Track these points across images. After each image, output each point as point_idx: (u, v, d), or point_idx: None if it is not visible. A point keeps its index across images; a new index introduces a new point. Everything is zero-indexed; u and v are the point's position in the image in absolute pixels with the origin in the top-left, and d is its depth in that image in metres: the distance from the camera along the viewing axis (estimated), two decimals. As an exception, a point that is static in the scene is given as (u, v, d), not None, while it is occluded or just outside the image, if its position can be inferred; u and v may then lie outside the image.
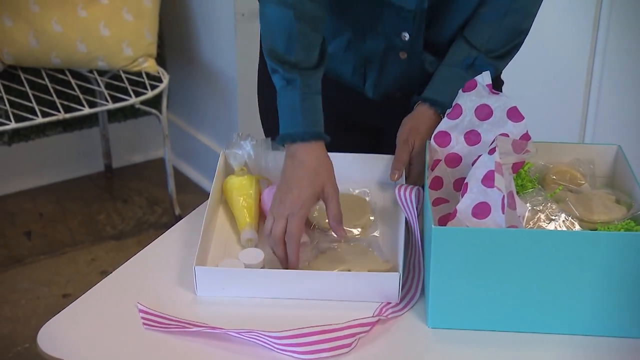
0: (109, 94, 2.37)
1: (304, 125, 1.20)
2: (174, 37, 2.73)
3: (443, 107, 1.30)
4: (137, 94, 2.37)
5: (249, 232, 1.17)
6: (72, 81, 2.41)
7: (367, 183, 1.34)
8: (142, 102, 2.38)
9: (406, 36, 1.34)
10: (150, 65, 2.45)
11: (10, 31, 2.34)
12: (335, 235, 1.20)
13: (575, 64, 2.36)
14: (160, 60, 2.63)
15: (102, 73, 2.45)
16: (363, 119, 1.50)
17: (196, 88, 2.72)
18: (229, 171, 1.29)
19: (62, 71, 2.44)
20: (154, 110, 2.43)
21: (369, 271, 1.14)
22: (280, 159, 1.21)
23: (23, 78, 2.39)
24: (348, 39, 1.38)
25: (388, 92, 1.43)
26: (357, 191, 1.31)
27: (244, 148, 1.27)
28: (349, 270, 1.15)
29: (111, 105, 2.35)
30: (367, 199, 1.30)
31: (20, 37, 2.35)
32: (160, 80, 2.43)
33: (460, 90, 1.25)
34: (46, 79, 2.40)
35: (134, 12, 2.42)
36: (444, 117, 1.28)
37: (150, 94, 2.38)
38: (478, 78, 1.24)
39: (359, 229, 1.24)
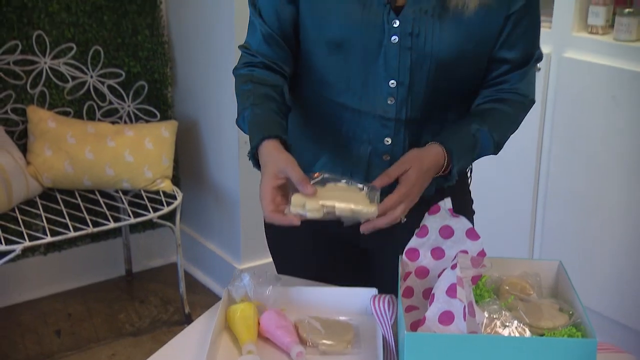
0: (131, 210, 2.37)
1: (265, 130, 1.19)
2: (187, 160, 2.75)
3: (450, 151, 1.23)
4: (155, 210, 2.37)
5: (249, 345, 1.14)
6: (100, 200, 2.40)
7: (351, 313, 1.26)
8: (159, 217, 2.37)
9: (388, 141, 1.29)
10: (166, 185, 2.46)
11: (50, 160, 2.37)
12: None
13: (523, 188, 2.36)
14: (175, 180, 2.65)
15: (125, 192, 2.46)
16: (348, 239, 1.39)
17: (205, 203, 2.72)
18: (231, 302, 1.26)
19: (92, 191, 2.44)
20: (168, 223, 2.43)
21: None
22: (276, 290, 1.21)
23: (59, 198, 2.39)
24: (332, 155, 1.33)
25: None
26: (341, 318, 1.25)
27: (244, 282, 1.25)
28: None
29: (133, 220, 2.35)
30: (350, 324, 1.24)
31: (58, 164, 2.37)
32: (175, 198, 2.43)
33: (426, 213, 1.23)
34: (78, 199, 2.40)
35: (154, 141, 2.46)
36: (448, 158, 1.22)
37: (166, 209, 2.38)
38: (441, 203, 1.22)
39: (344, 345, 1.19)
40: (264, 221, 1.50)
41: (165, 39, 2.63)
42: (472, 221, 1.42)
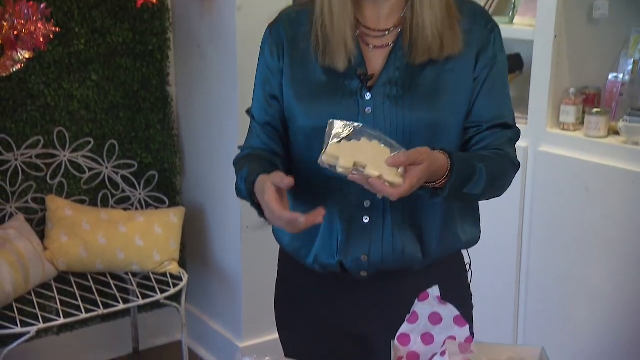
0: (140, 292, 2.35)
1: (250, 178, 1.24)
2: (193, 243, 2.75)
3: (452, 168, 1.18)
4: (162, 291, 2.35)
5: None
6: (111, 282, 2.39)
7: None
8: (165, 298, 2.36)
9: (368, 203, 1.28)
10: (173, 267, 2.45)
11: (65, 245, 2.37)
12: None
13: (505, 274, 2.34)
14: (181, 262, 2.63)
15: (135, 274, 2.44)
16: (347, 324, 1.38)
17: (209, 283, 2.70)
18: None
19: (103, 274, 2.43)
20: (174, 304, 2.41)
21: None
22: None
23: (73, 281, 2.38)
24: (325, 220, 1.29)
25: (359, 264, 1.30)
26: None
27: None
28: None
29: (141, 302, 2.33)
30: None
31: (73, 249, 2.37)
32: (181, 279, 2.42)
33: (416, 300, 1.21)
34: (91, 281, 2.39)
35: (163, 226, 2.46)
36: (448, 174, 1.18)
37: (172, 291, 2.36)
38: (429, 291, 1.20)
39: None
40: (275, 296, 1.49)
41: (175, 132, 2.68)
42: (471, 316, 1.41)
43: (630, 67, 2.24)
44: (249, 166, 1.28)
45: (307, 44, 1.27)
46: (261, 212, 1.23)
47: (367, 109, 1.24)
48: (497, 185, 1.29)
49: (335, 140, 1.12)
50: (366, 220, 1.28)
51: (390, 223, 1.28)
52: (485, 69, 1.27)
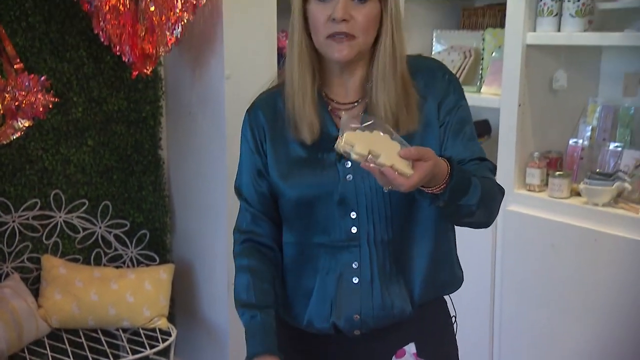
0: (130, 348, 2.31)
1: (262, 346, 1.24)
2: (182, 299, 2.71)
3: (452, 176, 1.15)
4: (151, 347, 2.31)
5: None
6: (102, 338, 2.35)
7: None
8: (155, 353, 2.31)
9: (356, 264, 1.28)
10: (162, 323, 2.42)
11: (59, 302, 2.34)
12: None
13: (479, 328, 2.34)
14: (171, 317, 2.58)
15: (125, 330, 2.41)
16: None
17: (197, 337, 2.67)
18: None
19: (95, 330, 2.39)
20: (163, 359, 2.37)
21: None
22: None
23: (65, 338, 2.34)
24: (319, 284, 1.31)
25: (352, 323, 1.29)
26: None
27: None
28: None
29: (131, 357, 2.28)
30: None
31: (66, 306, 2.34)
32: (170, 334, 2.38)
33: (394, 357, 1.25)
34: (82, 337, 2.34)
35: (153, 283, 2.44)
36: (447, 181, 1.14)
37: (161, 346, 2.32)
38: (406, 347, 1.24)
39: None
40: None
41: (166, 193, 2.67)
42: (455, 353, 1.41)
43: (588, 133, 2.30)
44: (251, 316, 1.28)
45: (282, 123, 1.30)
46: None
47: (347, 177, 1.26)
48: (489, 204, 1.25)
49: (351, 129, 1.11)
50: (356, 280, 1.28)
51: (379, 280, 1.28)
52: (449, 115, 1.29)
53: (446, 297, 1.40)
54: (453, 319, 1.43)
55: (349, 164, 1.26)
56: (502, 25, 2.38)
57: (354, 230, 1.27)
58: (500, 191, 1.30)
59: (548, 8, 2.16)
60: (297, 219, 1.31)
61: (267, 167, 1.32)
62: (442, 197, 1.15)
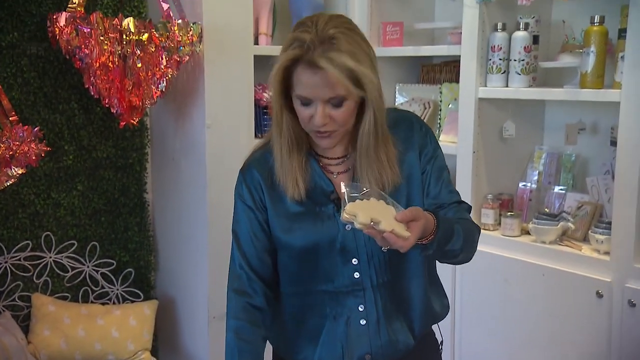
0: None
1: None
2: (165, 333, 2.68)
3: (437, 229, 1.17)
4: None
5: None
6: None
7: None
8: None
9: (362, 307, 1.28)
10: (146, 357, 2.39)
11: (47, 338, 2.30)
12: None
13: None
14: (154, 351, 2.55)
15: None
16: None
17: None
18: None
19: None
20: None
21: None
22: None
23: None
24: (328, 329, 1.30)
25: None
26: None
27: None
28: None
29: None
30: None
31: (54, 342, 2.30)
32: None
33: None
34: None
35: (137, 319, 2.41)
36: (433, 233, 1.16)
37: None
38: None
39: None
40: None
41: (150, 233, 2.65)
42: None
43: (536, 177, 2.36)
44: None
45: (276, 180, 1.28)
46: None
47: (347, 227, 1.25)
48: (470, 245, 1.28)
49: (351, 198, 1.13)
50: (363, 322, 1.28)
51: (384, 319, 1.29)
52: (428, 164, 1.31)
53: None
54: (440, 344, 1.45)
55: None
56: (457, 80, 2.40)
57: (356, 275, 1.27)
58: (477, 229, 1.33)
59: (497, 66, 2.23)
60: (300, 270, 1.30)
61: (268, 222, 1.30)
62: (431, 247, 1.18)
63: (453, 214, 1.30)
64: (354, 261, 1.26)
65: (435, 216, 1.18)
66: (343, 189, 1.15)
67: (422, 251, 1.19)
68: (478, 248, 2.19)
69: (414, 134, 1.32)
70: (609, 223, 2.03)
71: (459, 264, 1.33)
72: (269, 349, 1.41)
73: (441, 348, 1.46)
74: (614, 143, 2.08)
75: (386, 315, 1.29)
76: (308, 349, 1.31)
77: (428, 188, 1.31)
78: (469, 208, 1.36)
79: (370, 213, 1.11)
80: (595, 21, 2.02)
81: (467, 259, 1.31)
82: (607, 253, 2.01)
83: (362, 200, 1.13)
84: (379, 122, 1.23)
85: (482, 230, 2.22)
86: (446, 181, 1.33)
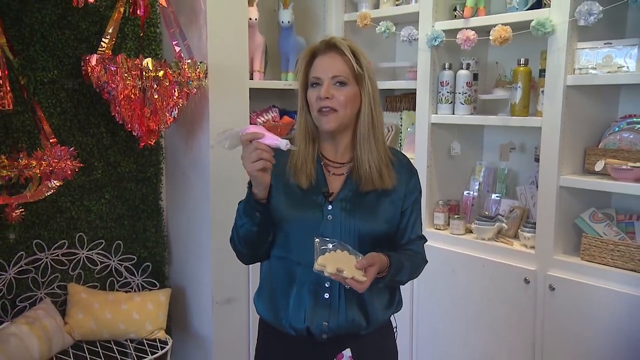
0: (135, 354, 2.28)
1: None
2: (176, 315, 2.67)
3: (390, 266, 1.21)
4: (152, 353, 2.27)
5: None
6: (114, 347, 2.32)
7: None
8: (155, 358, 2.27)
9: (328, 284, 1.26)
10: (161, 334, 2.38)
11: (81, 320, 2.31)
12: None
13: (402, 335, 2.21)
14: (168, 330, 2.54)
15: (132, 340, 2.37)
16: None
17: (188, 346, 2.62)
18: None
19: (108, 341, 2.35)
20: None
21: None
22: None
23: (85, 348, 2.30)
24: (295, 297, 1.28)
25: (321, 329, 1.27)
26: None
27: None
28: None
29: None
30: None
31: (86, 323, 2.31)
32: (167, 343, 2.35)
33: (335, 359, 1.24)
34: (98, 347, 2.31)
35: (154, 304, 2.41)
36: (387, 270, 1.20)
37: (160, 353, 2.28)
38: (344, 352, 1.24)
39: None
40: (256, 357, 1.42)
41: (165, 234, 2.64)
42: (395, 357, 1.42)
43: (477, 187, 2.40)
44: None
45: (285, 169, 1.29)
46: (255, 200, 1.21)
47: (329, 217, 1.25)
48: (414, 274, 1.34)
49: (321, 253, 1.17)
50: (327, 296, 1.27)
51: (344, 300, 1.27)
52: (409, 203, 1.32)
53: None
54: (395, 329, 1.44)
55: (330, 207, 1.26)
56: (414, 108, 2.43)
57: None
58: (424, 262, 1.37)
59: (445, 97, 2.28)
60: (285, 240, 1.29)
61: (272, 194, 1.27)
62: (383, 280, 1.24)
63: (410, 247, 1.33)
64: (330, 245, 1.24)
65: (389, 258, 1.22)
66: (315, 243, 1.18)
67: (377, 282, 1.22)
68: (432, 245, 2.19)
69: (404, 174, 1.33)
70: (534, 223, 2.06)
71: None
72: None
73: (396, 332, 1.44)
74: (537, 159, 2.13)
75: (347, 297, 1.27)
76: (282, 310, 1.30)
77: (404, 220, 1.32)
78: (424, 242, 1.39)
79: (336, 263, 1.15)
80: (522, 63, 2.09)
81: (412, 279, 1.36)
82: (532, 247, 2.04)
83: (329, 252, 1.17)
84: (375, 116, 1.26)
85: (434, 230, 2.31)
86: (418, 221, 1.35)
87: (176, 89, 2.19)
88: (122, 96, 2.11)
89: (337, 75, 1.24)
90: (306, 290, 1.27)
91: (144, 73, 2.13)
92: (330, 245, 1.18)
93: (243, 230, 1.26)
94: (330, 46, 1.25)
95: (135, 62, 2.12)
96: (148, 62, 2.13)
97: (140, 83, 2.12)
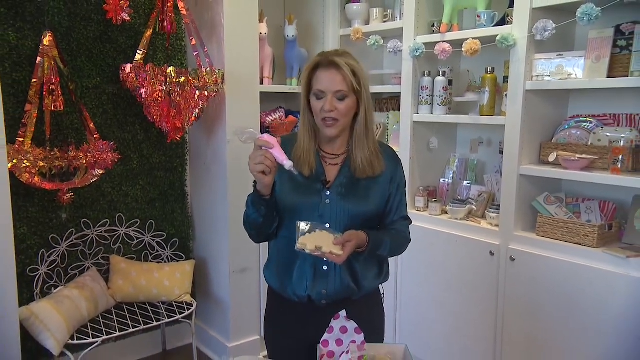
0: (167, 314, 2.30)
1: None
2: (200, 281, 2.67)
3: (369, 241, 1.19)
4: (180, 313, 2.29)
5: None
6: (149, 308, 2.34)
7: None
8: (182, 317, 2.30)
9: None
10: (187, 298, 2.40)
11: (121, 286, 2.34)
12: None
13: (389, 300, 2.13)
14: (193, 294, 2.56)
15: (164, 302, 2.38)
16: (312, 337, 1.27)
17: (210, 308, 2.62)
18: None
19: (144, 303, 2.38)
20: (188, 321, 2.34)
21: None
22: None
23: (125, 308, 2.33)
24: (297, 270, 1.26)
25: (321, 296, 1.26)
26: None
27: None
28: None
29: (167, 320, 2.28)
30: None
31: (125, 288, 2.34)
32: (192, 305, 2.36)
33: (332, 319, 1.21)
34: (136, 307, 2.34)
35: (181, 273, 2.42)
36: (367, 245, 1.18)
37: (186, 312, 2.30)
38: (341, 313, 1.20)
39: None
40: (265, 322, 1.40)
41: (189, 215, 2.61)
42: (383, 326, 1.40)
43: (451, 175, 2.40)
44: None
45: (293, 155, 1.27)
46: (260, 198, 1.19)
47: (327, 201, 1.24)
48: (397, 250, 1.32)
49: (302, 234, 1.17)
50: (325, 268, 1.27)
51: (340, 270, 1.27)
52: (395, 187, 1.30)
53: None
54: (382, 295, 1.43)
55: (328, 192, 1.25)
56: (398, 109, 2.43)
57: None
58: (407, 240, 1.33)
59: (425, 100, 2.28)
60: (288, 221, 1.28)
61: (277, 179, 1.26)
62: (363, 254, 1.24)
63: (395, 227, 1.31)
64: (327, 225, 1.24)
65: (368, 235, 1.21)
66: (297, 225, 1.16)
67: (358, 255, 1.24)
68: (414, 224, 2.16)
69: (391, 164, 1.32)
70: (499, 206, 2.07)
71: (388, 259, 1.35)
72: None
73: (383, 298, 1.43)
74: (501, 152, 2.15)
75: (341, 268, 1.27)
76: (287, 280, 1.30)
77: (391, 204, 1.31)
78: (410, 222, 1.36)
79: (315, 242, 1.14)
80: (489, 70, 2.10)
81: (397, 256, 1.35)
82: (497, 225, 2.05)
83: (310, 233, 1.16)
84: (369, 120, 1.26)
85: (415, 211, 2.29)
86: (403, 202, 1.33)
87: (197, 93, 2.19)
88: (150, 99, 2.11)
89: (339, 91, 1.22)
90: (308, 264, 1.27)
91: (167, 79, 2.13)
92: (308, 227, 1.17)
93: (251, 219, 1.27)
94: (332, 63, 1.22)
95: (161, 69, 2.13)
96: (171, 70, 2.14)
97: (165, 88, 2.12)
